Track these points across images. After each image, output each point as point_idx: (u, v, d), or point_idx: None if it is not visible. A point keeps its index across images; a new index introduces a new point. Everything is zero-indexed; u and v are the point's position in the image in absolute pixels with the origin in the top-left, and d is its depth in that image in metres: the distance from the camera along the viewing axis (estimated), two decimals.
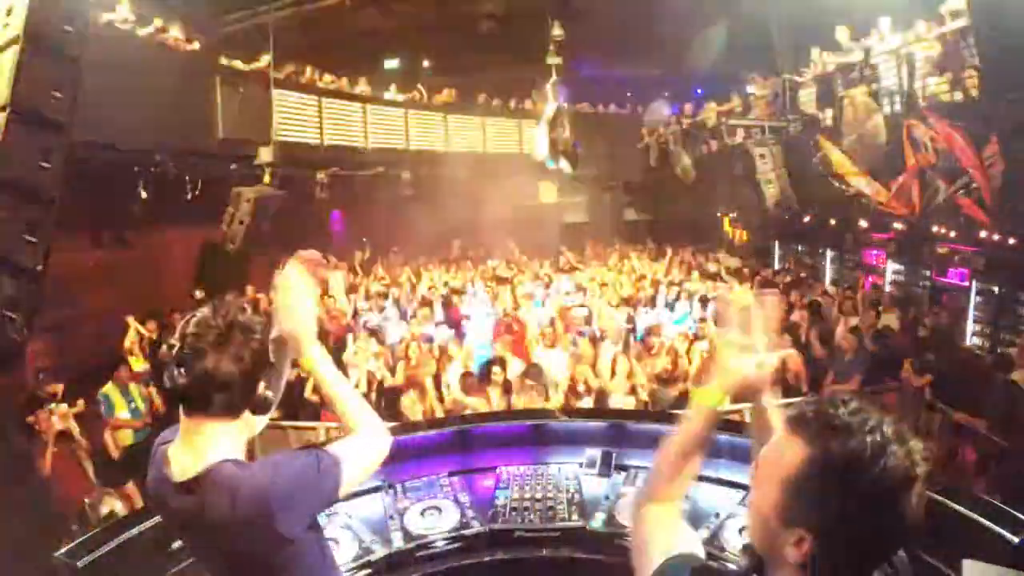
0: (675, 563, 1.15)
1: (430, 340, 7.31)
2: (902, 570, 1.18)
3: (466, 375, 6.19)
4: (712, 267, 11.87)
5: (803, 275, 11.62)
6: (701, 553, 1.22)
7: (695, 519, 2.66)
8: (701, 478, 2.87)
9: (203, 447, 1.42)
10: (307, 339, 1.63)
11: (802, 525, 0.98)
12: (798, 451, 1.00)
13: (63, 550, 2.19)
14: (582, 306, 8.53)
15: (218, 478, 1.38)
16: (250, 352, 1.42)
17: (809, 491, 0.98)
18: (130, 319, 7.93)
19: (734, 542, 2.57)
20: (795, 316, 7.99)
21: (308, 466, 1.43)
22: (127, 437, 6.42)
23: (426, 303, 8.86)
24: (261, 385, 1.45)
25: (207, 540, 1.47)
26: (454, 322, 8.48)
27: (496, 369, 6.13)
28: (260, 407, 1.47)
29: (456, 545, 2.68)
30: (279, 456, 1.45)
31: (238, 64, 10.32)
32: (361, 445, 1.58)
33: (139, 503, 5.25)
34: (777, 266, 13.45)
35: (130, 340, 7.70)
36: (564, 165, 9.01)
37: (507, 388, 6.02)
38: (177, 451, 1.46)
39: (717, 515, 2.73)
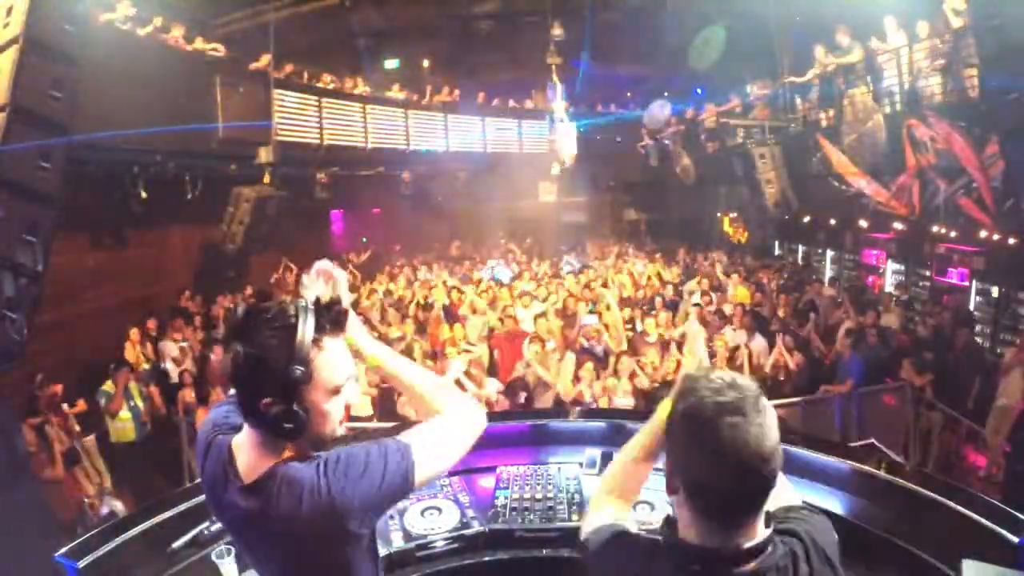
0: (604, 528, 1.35)
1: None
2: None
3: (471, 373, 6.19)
4: (713, 267, 11.85)
5: (802, 275, 11.60)
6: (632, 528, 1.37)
7: None
8: None
9: (270, 443, 1.35)
10: (363, 338, 1.55)
11: (674, 469, 1.20)
12: (667, 409, 1.24)
13: (63, 550, 2.18)
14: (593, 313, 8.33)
15: (285, 478, 1.31)
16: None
17: (670, 441, 1.22)
18: (132, 332, 7.99)
19: None
20: (794, 316, 7.99)
21: (377, 461, 1.36)
22: (128, 435, 6.42)
23: (426, 303, 8.85)
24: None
25: (269, 538, 1.40)
26: (454, 322, 8.46)
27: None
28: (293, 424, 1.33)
29: (456, 545, 2.67)
30: (347, 452, 1.36)
31: (238, 64, 10.30)
32: (443, 425, 1.50)
33: (138, 503, 5.25)
34: (777, 266, 13.43)
35: (132, 354, 7.76)
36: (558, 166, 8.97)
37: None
38: (243, 444, 1.38)
39: None
